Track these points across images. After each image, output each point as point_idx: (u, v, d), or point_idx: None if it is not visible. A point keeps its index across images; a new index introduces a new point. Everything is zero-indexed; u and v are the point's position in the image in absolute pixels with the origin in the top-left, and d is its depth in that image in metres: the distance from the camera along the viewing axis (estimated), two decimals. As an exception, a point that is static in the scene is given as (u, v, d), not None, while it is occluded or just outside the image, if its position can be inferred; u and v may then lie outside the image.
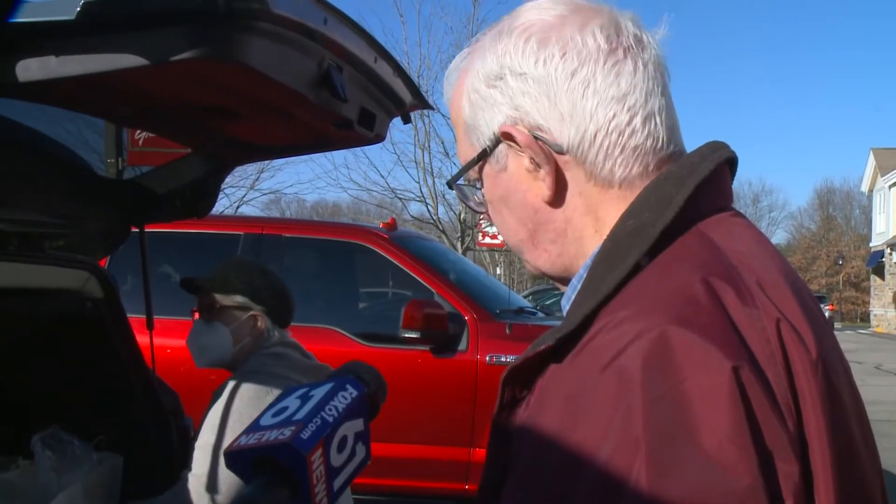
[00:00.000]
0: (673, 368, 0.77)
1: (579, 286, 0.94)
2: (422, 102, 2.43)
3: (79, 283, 2.48)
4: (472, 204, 1.10)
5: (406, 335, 5.43)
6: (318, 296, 6.30)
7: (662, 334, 0.78)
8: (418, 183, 23.72)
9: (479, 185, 1.07)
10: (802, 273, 62.73)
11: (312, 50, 1.79)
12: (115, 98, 1.81)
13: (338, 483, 0.87)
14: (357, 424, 0.91)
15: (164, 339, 5.34)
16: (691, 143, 1.03)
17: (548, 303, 16.40)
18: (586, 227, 0.98)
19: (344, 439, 0.88)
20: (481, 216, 1.11)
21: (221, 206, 24.50)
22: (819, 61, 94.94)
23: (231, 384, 2.38)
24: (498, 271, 33.19)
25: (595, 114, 0.94)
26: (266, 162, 22.04)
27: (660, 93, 0.97)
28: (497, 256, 32.99)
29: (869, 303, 50.61)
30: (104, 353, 2.57)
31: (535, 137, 0.96)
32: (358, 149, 20.26)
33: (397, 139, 23.20)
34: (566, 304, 1.01)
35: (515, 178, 0.99)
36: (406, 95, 2.31)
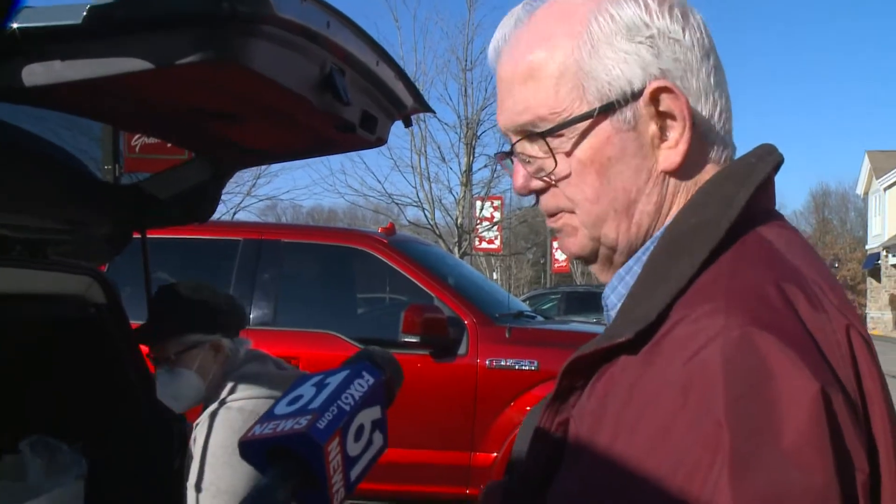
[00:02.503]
0: (757, 369, 0.77)
1: (631, 281, 0.95)
2: (423, 106, 2.43)
3: (82, 288, 2.47)
4: (540, 162, 0.99)
5: (406, 339, 5.42)
6: (318, 301, 6.30)
7: (745, 335, 0.78)
8: (415, 188, 23.69)
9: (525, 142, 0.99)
10: (798, 276, 62.60)
11: (315, 53, 1.79)
12: (120, 102, 1.81)
13: (355, 472, 0.85)
14: (374, 412, 0.89)
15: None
16: None
17: (545, 307, 16.40)
18: (665, 208, 0.97)
19: (361, 428, 0.86)
20: (547, 176, 0.99)
21: (218, 212, 24.34)
22: (813, 63, 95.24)
23: (215, 418, 2.31)
24: (495, 276, 33.18)
25: (719, 99, 0.97)
26: (262, 168, 22.02)
27: None
28: (493, 261, 32.98)
29: (865, 305, 50.63)
30: (106, 358, 2.56)
31: None
32: (354, 154, 20.26)
33: (393, 144, 23.10)
34: (609, 294, 1.00)
35: (640, 140, 0.95)
36: (407, 99, 2.31)
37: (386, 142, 2.41)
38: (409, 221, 25.67)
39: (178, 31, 1.48)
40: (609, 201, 0.97)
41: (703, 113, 0.96)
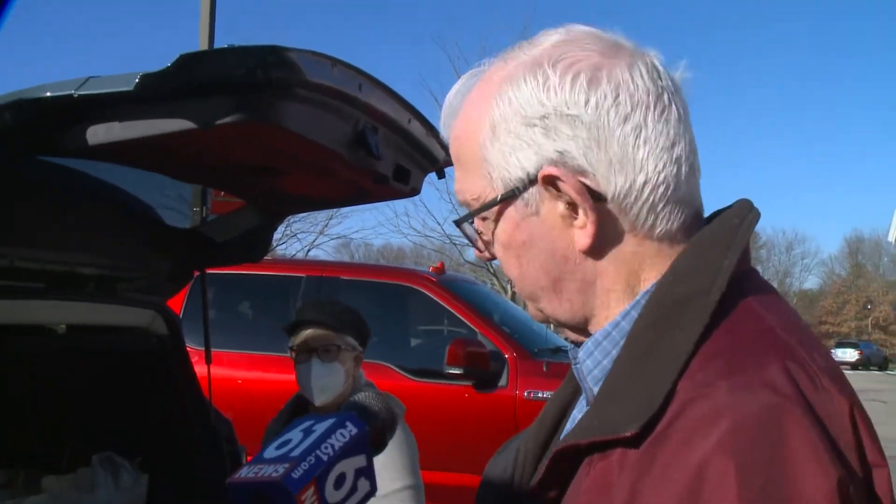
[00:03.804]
0: (770, 465, 0.68)
1: (609, 347, 0.86)
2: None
3: (146, 321, 2.53)
4: (479, 244, 0.93)
5: (450, 371, 5.41)
6: (372, 333, 6.30)
7: (754, 427, 0.69)
8: (471, 230, 23.64)
9: (471, 223, 0.92)
10: (833, 317, 61.13)
11: (348, 113, 1.82)
12: (173, 157, 1.86)
13: None
14: (358, 461, 0.87)
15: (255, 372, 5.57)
16: (733, 196, 0.93)
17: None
18: (618, 281, 0.85)
19: (342, 476, 0.84)
20: (479, 254, 0.94)
21: (294, 249, 24.75)
22: (851, 119, 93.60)
23: None
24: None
25: (646, 164, 0.82)
26: (334, 210, 22.29)
27: (694, 142, 0.87)
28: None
29: (896, 345, 49.04)
30: (166, 384, 2.61)
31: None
32: (416, 198, 20.36)
33: (453, 189, 23.14)
34: (584, 359, 0.89)
35: (547, 223, 0.85)
36: (439, 153, 2.32)
37: (420, 192, 2.43)
38: (468, 261, 25.66)
39: (218, 96, 1.53)
40: (532, 281, 0.89)
41: (622, 183, 0.82)
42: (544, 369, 5.52)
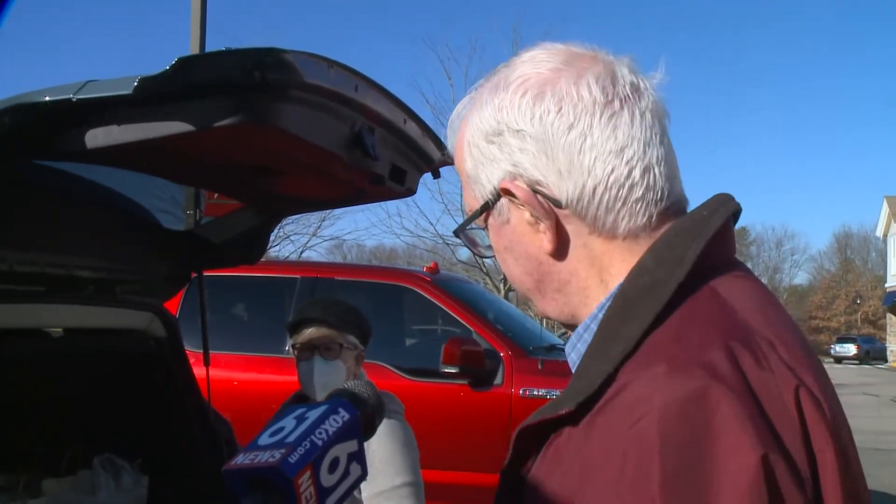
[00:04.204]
0: (693, 442, 0.70)
1: (588, 338, 0.88)
2: (451, 159, 2.44)
3: (144, 323, 2.52)
4: (480, 249, 1.01)
5: (446, 370, 5.41)
6: (370, 333, 6.30)
7: (683, 405, 0.72)
8: (464, 230, 23.62)
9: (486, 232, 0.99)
10: (823, 312, 61.44)
11: (345, 114, 1.82)
12: (172, 159, 1.86)
13: (331, 501, 0.84)
14: (350, 445, 0.87)
15: (251, 373, 5.59)
16: (714, 191, 0.95)
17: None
18: (591, 278, 0.90)
19: (336, 460, 0.85)
20: (489, 258, 1.03)
21: (287, 251, 24.71)
22: (838, 116, 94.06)
23: (380, 429, 2.25)
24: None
25: (593, 168, 0.86)
26: (326, 211, 22.23)
27: (658, 142, 0.89)
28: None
29: (886, 339, 49.29)
30: (165, 386, 2.60)
31: (535, 192, 0.88)
32: (409, 199, 20.33)
33: (445, 190, 23.10)
34: (570, 351, 0.94)
35: (518, 230, 0.92)
36: (435, 153, 2.32)
37: (415, 192, 2.42)
38: (460, 260, 25.67)
39: (215, 98, 1.52)
40: (520, 283, 0.96)
41: (572, 188, 0.87)
42: (539, 367, 5.52)
